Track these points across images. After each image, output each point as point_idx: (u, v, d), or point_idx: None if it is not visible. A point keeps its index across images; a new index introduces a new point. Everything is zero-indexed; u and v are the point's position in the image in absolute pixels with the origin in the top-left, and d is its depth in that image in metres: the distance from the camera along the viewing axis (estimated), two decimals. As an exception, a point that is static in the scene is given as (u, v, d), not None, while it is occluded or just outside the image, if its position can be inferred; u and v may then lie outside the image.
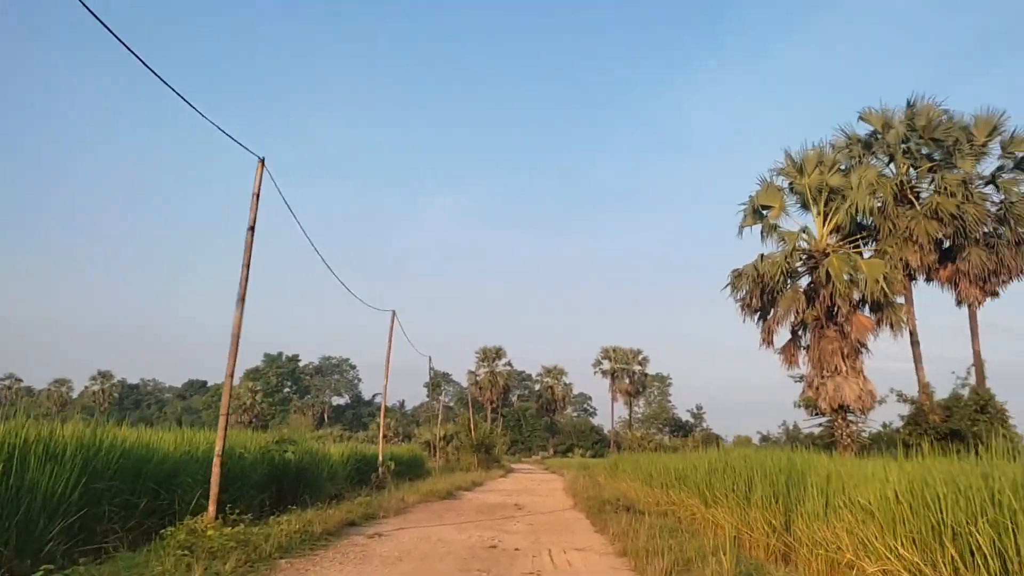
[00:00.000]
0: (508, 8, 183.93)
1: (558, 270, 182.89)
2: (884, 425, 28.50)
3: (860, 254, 26.97)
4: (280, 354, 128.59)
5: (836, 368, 26.42)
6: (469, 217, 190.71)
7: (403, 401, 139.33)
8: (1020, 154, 27.09)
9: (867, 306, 26.64)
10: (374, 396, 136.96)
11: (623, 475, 23.42)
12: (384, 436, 18.75)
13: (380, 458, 18.38)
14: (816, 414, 27.53)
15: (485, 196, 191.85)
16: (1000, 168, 27.63)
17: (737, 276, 28.42)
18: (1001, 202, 27.00)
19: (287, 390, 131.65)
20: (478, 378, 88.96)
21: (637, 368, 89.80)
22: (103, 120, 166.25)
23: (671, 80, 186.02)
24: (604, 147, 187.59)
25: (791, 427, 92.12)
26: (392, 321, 18.87)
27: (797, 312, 26.61)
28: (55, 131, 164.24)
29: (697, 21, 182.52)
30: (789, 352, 28.50)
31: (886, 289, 24.99)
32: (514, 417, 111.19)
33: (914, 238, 26.75)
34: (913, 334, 27.87)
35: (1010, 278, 27.44)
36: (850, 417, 26.76)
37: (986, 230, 27.48)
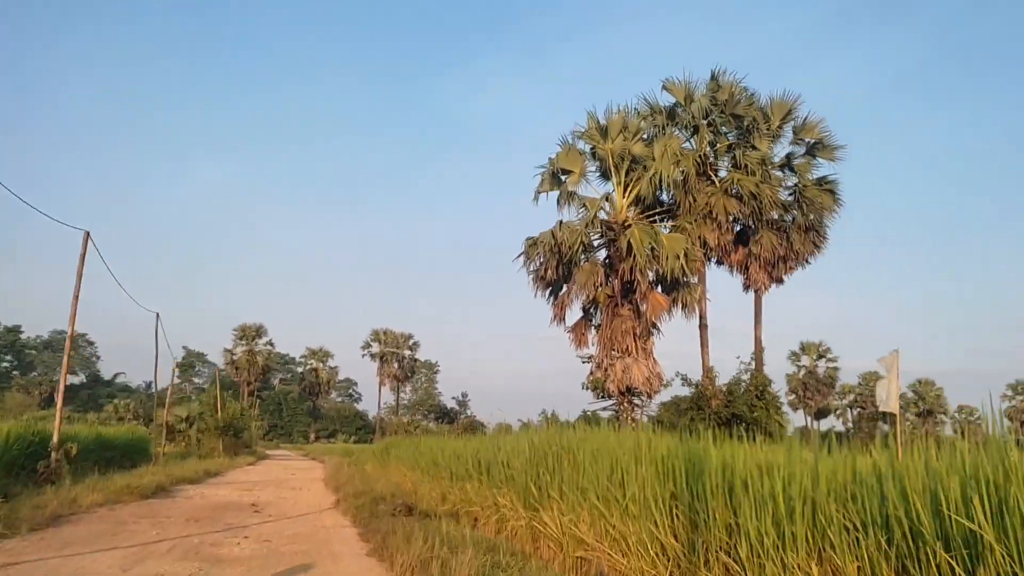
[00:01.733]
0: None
1: (327, 254, 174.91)
2: (665, 407, 27.29)
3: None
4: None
5: (627, 349, 24.69)
6: (236, 191, 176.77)
7: (150, 382, 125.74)
8: (811, 140, 26.89)
9: (660, 285, 25.20)
10: (115, 376, 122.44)
11: (396, 463, 19.90)
12: (61, 408, 13.03)
13: (55, 438, 12.88)
14: (603, 396, 25.65)
15: (253, 171, 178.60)
16: (791, 154, 27.36)
17: (532, 244, 25.88)
18: (794, 186, 26.66)
19: (6, 365, 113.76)
20: (235, 357, 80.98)
21: (407, 353, 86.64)
22: None
23: (450, 73, 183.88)
24: (381, 134, 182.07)
25: (550, 414, 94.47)
26: (85, 245, 13.61)
27: (595, 286, 24.53)
28: None
29: (479, 19, 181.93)
30: (580, 331, 26.45)
31: (685, 266, 23.53)
32: (275, 401, 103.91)
33: (713, 215, 25.65)
34: (703, 317, 26.87)
35: (796, 264, 27.25)
36: (636, 400, 25.21)
37: (776, 215, 27.10)
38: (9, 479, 11.49)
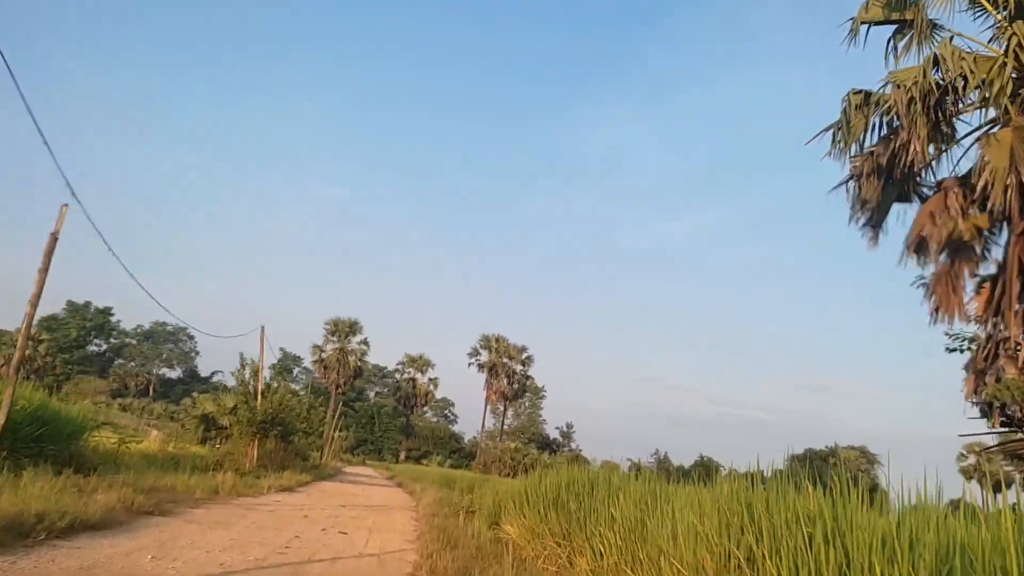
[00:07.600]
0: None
1: (438, 274, 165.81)
2: None
3: None
4: (88, 304, 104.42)
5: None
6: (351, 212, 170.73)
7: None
8: None
9: None
10: (212, 374, 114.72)
11: (590, 532, 6.93)
12: None
13: None
14: (1011, 424, 12.03)
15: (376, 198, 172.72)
16: None
17: (862, 103, 12.76)
18: None
19: (93, 348, 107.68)
20: (324, 355, 69.97)
21: (519, 368, 73.91)
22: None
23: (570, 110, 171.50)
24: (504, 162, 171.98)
25: (663, 456, 79.81)
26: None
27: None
28: None
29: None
30: (948, 283, 12.99)
31: None
32: (367, 413, 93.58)
33: None
34: None
35: None
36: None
37: None
38: None
